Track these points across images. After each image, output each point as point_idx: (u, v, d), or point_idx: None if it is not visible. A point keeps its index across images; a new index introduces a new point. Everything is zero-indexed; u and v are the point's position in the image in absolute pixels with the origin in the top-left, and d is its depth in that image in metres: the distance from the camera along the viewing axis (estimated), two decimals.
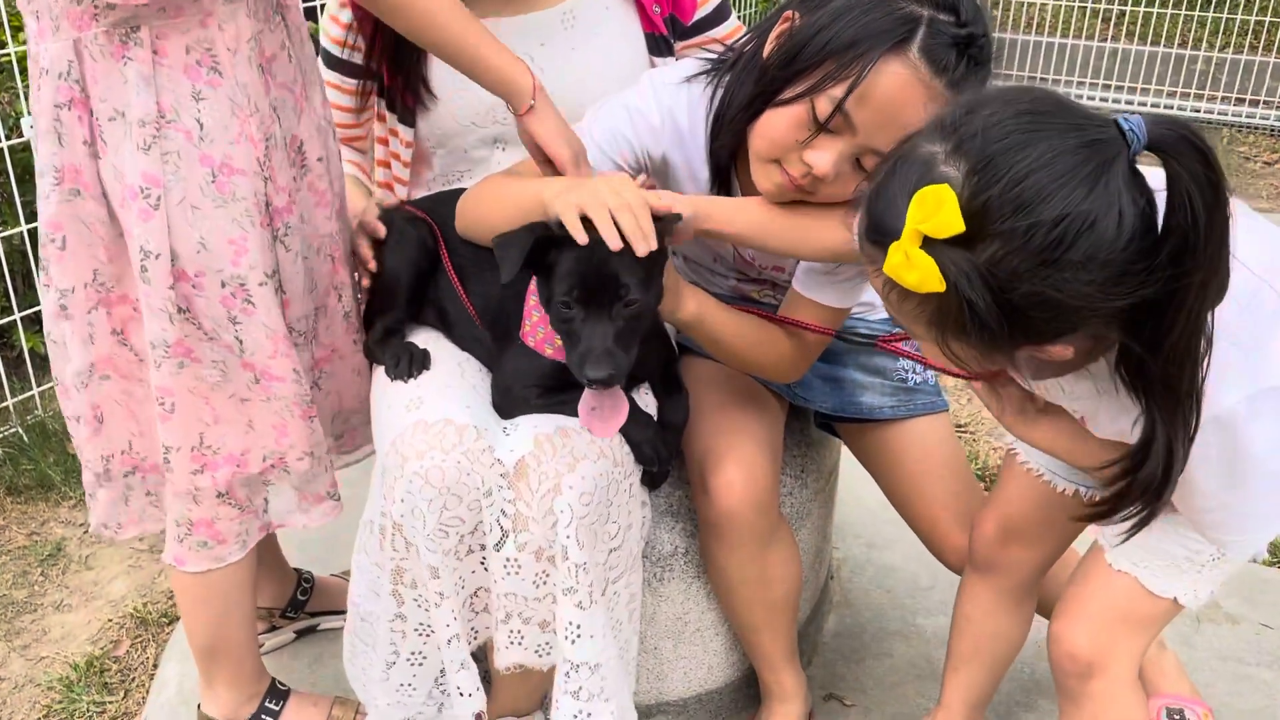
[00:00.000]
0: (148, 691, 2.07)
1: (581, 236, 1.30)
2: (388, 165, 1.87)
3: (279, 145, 1.46)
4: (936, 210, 0.99)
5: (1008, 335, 1.02)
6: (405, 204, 1.79)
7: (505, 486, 1.43)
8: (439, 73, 1.73)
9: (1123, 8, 5.90)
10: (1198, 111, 5.45)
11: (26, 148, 2.62)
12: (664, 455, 1.54)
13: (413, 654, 1.55)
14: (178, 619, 2.20)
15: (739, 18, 1.93)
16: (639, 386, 1.64)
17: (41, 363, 2.81)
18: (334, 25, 1.79)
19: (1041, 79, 5.70)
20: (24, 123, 2.66)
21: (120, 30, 1.32)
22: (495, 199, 1.54)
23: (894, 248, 1.03)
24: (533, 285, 1.51)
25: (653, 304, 1.38)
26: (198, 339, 1.46)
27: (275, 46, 1.46)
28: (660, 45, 1.83)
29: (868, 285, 1.54)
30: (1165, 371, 1.06)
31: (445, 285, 1.66)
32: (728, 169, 1.55)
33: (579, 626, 1.45)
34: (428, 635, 1.53)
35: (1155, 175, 1.02)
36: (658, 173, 1.63)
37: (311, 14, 3.14)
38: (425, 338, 1.67)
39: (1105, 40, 5.99)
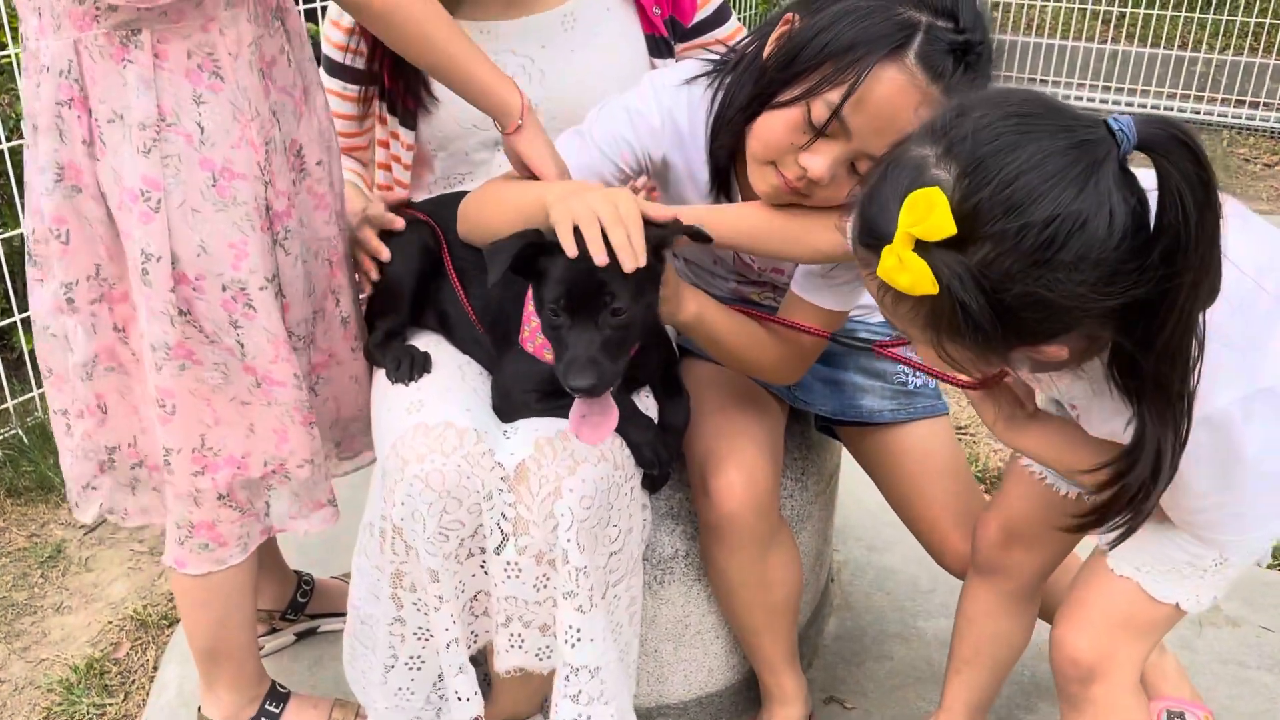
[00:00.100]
0: (148, 694, 2.07)
1: (571, 249, 1.29)
2: (388, 168, 1.87)
3: (279, 149, 1.46)
4: (928, 213, 1.00)
5: (1001, 336, 1.03)
6: (407, 206, 1.79)
7: (506, 490, 1.43)
8: None
9: (1122, 9, 5.90)
10: (1197, 113, 5.44)
11: None
12: (665, 458, 1.54)
13: (411, 658, 1.54)
14: (178, 621, 2.20)
15: (739, 19, 1.93)
16: (640, 389, 1.64)
17: None
18: (335, 30, 1.79)
19: (1041, 81, 5.70)
20: (24, 124, 2.66)
21: (121, 32, 1.31)
22: (497, 202, 1.54)
23: (887, 251, 1.03)
24: None
25: (642, 315, 1.38)
26: (199, 341, 1.46)
27: (275, 51, 1.46)
28: (660, 47, 1.83)
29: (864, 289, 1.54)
30: (1157, 371, 1.06)
31: (446, 288, 1.66)
32: (727, 170, 1.55)
33: (579, 630, 1.45)
34: (426, 639, 1.53)
35: (1147, 176, 1.02)
36: (658, 175, 1.63)
37: (311, 16, 3.14)
38: (426, 341, 1.67)
39: (1105, 42, 5.99)
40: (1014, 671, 1.77)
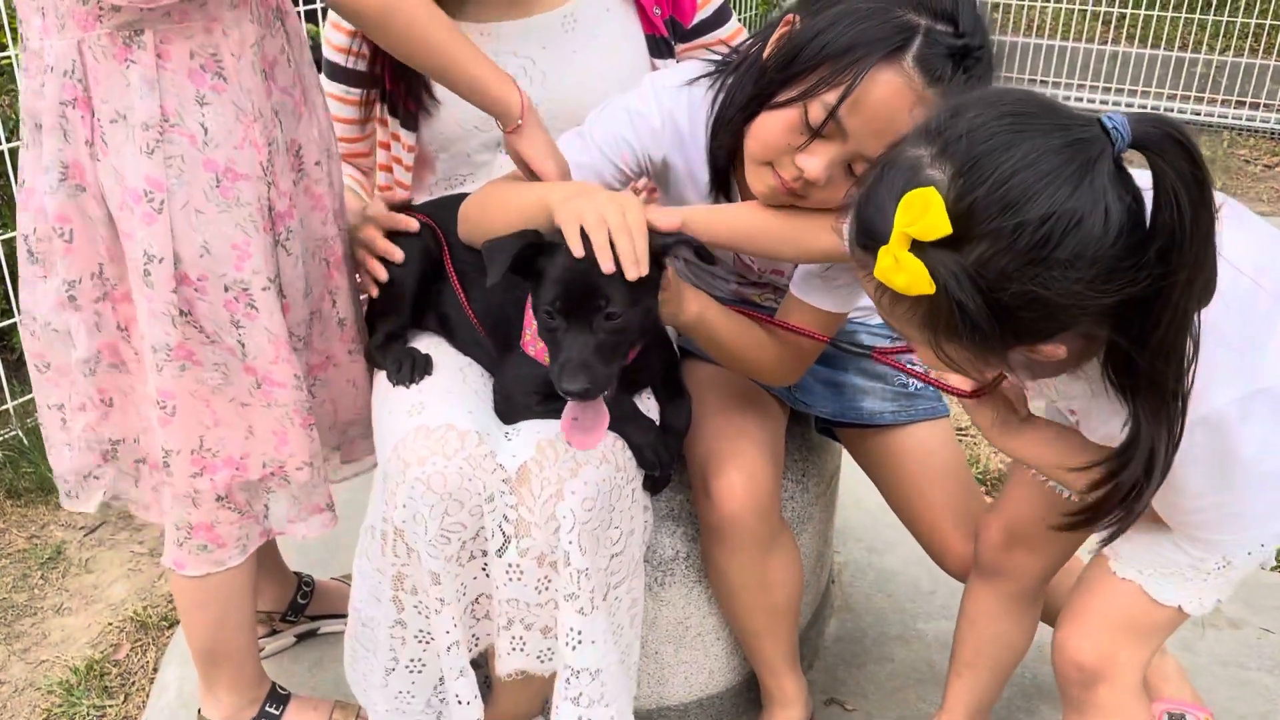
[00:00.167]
0: (148, 695, 2.07)
1: (578, 249, 1.30)
2: (389, 169, 1.87)
3: (280, 150, 1.46)
4: (924, 213, 1.00)
5: (999, 336, 1.03)
6: (407, 208, 1.78)
7: (507, 492, 1.43)
8: None
9: (1123, 10, 5.90)
10: (1198, 115, 5.45)
11: None
12: (666, 460, 1.54)
13: (412, 661, 1.54)
14: (178, 623, 2.20)
15: (740, 20, 1.93)
16: (641, 391, 1.63)
17: None
18: (337, 33, 1.78)
19: (1041, 82, 5.70)
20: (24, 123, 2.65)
21: (124, 33, 1.31)
22: (499, 204, 1.54)
23: (883, 251, 1.03)
24: None
25: (639, 320, 1.37)
26: (199, 342, 1.46)
27: (276, 51, 1.46)
28: (661, 47, 1.83)
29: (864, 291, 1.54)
30: (1152, 369, 1.06)
31: (447, 290, 1.66)
32: (726, 171, 1.55)
33: (580, 632, 1.45)
34: (427, 642, 1.52)
35: (1143, 177, 1.02)
36: (658, 176, 1.63)
37: (311, 17, 3.14)
38: (427, 343, 1.67)
39: (1105, 43, 5.99)
40: (1015, 673, 1.77)
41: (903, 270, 1.02)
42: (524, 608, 1.47)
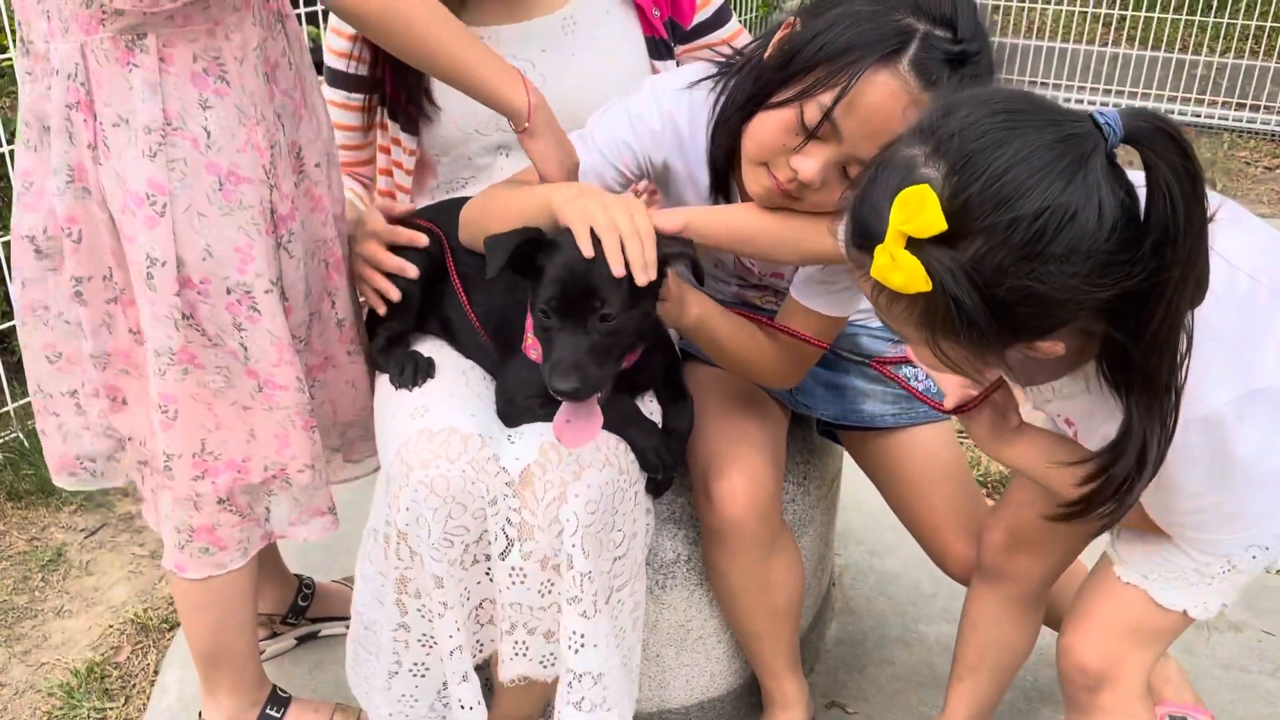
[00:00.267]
0: (148, 698, 2.07)
1: (588, 250, 1.30)
2: (389, 174, 1.87)
3: (282, 153, 1.46)
4: (919, 210, 1.00)
5: (996, 332, 1.03)
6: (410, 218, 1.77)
7: (510, 495, 1.43)
8: (442, 83, 1.72)
9: (1123, 12, 5.90)
10: (1198, 116, 5.45)
11: None
12: (668, 462, 1.54)
13: (415, 664, 1.54)
14: (178, 625, 2.20)
15: (740, 22, 1.93)
16: (643, 394, 1.63)
17: None
18: (338, 38, 1.77)
19: (1041, 84, 5.70)
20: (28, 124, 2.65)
21: (127, 37, 1.31)
22: (501, 207, 1.54)
23: (879, 250, 1.04)
24: None
25: (635, 324, 1.37)
26: (201, 345, 1.46)
27: (277, 54, 1.46)
28: (660, 49, 1.83)
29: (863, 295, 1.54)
30: (1146, 363, 1.07)
31: (450, 294, 1.66)
32: (726, 173, 1.55)
33: (583, 635, 1.44)
34: (431, 646, 1.52)
35: (1137, 177, 1.03)
36: (659, 178, 1.63)
37: (311, 19, 3.14)
38: (429, 346, 1.67)
39: (1106, 45, 5.99)
40: (1017, 677, 1.77)
41: (899, 268, 1.02)
42: (527, 611, 1.46)
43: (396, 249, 1.66)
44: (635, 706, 1.59)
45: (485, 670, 1.63)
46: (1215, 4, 5.96)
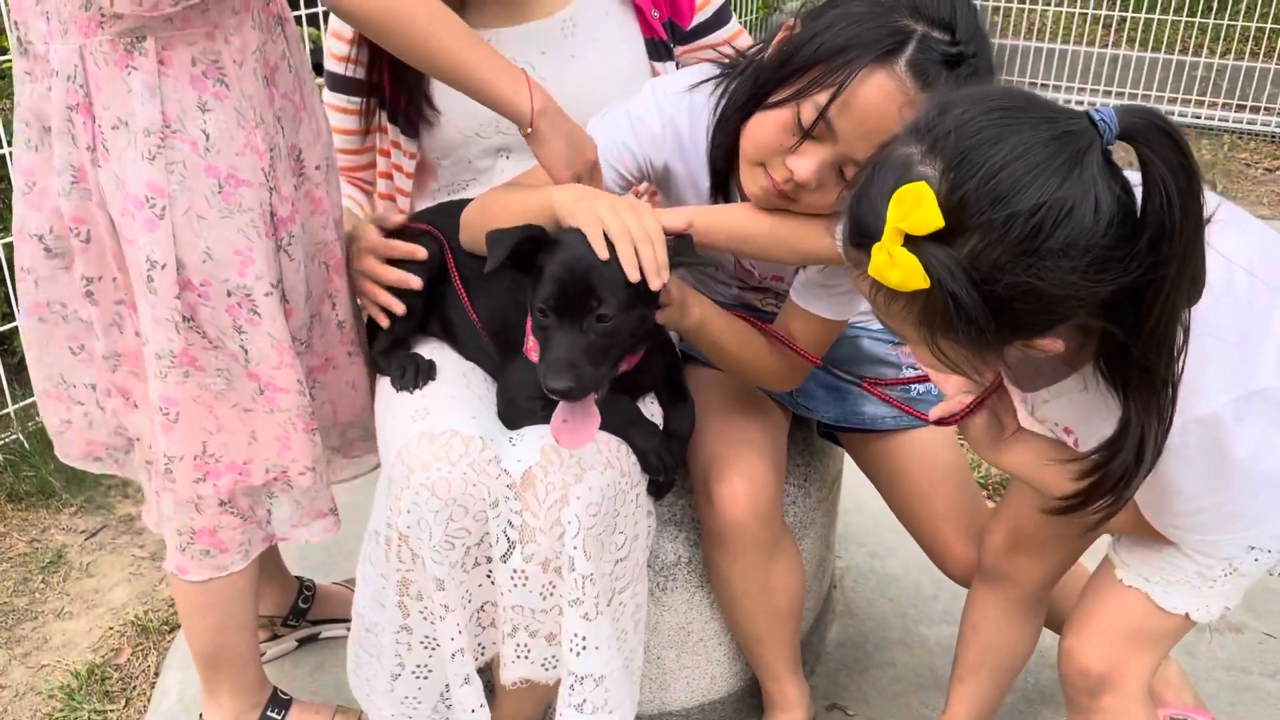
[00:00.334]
0: (149, 700, 2.07)
1: (603, 252, 1.30)
2: (389, 177, 1.87)
3: (282, 155, 1.46)
4: (915, 208, 1.00)
5: (995, 330, 1.03)
6: (411, 219, 1.77)
7: (512, 497, 1.43)
8: (441, 86, 1.72)
9: (1124, 14, 5.91)
10: (1198, 118, 5.45)
11: None
12: (670, 464, 1.54)
13: (418, 667, 1.54)
14: (179, 627, 2.20)
15: (740, 23, 1.93)
16: (645, 395, 1.63)
17: None
18: (338, 42, 1.77)
19: (1042, 86, 5.70)
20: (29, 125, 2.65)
21: (126, 39, 1.31)
22: (501, 209, 1.54)
23: (877, 248, 1.04)
24: None
25: (632, 326, 1.37)
26: (202, 347, 1.46)
27: (277, 57, 1.46)
28: (660, 50, 1.83)
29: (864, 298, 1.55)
30: (1143, 358, 1.07)
31: (451, 296, 1.65)
32: (725, 174, 1.55)
33: (584, 638, 1.44)
34: (433, 648, 1.52)
35: (1133, 177, 1.03)
36: (659, 181, 1.63)
37: (312, 20, 3.14)
38: (430, 348, 1.67)
39: (1106, 46, 6.00)
40: (1018, 678, 1.76)
41: (897, 266, 1.02)
42: (528, 614, 1.46)
43: (395, 262, 1.65)
44: (637, 709, 1.59)
45: (487, 673, 1.63)
46: (1215, 6, 5.97)
